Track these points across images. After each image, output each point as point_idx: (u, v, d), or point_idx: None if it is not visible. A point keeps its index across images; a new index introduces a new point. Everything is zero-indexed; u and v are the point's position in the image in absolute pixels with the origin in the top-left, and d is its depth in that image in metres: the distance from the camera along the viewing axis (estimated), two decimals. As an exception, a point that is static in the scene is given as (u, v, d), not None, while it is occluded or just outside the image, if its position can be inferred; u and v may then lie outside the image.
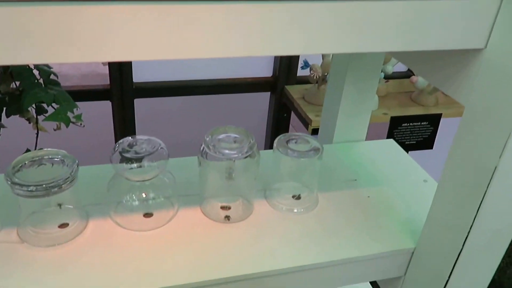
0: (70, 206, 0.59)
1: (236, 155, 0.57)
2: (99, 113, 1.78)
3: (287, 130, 1.89)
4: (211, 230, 0.59)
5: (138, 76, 1.75)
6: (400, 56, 0.59)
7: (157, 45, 0.36)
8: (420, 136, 1.60)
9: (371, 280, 0.64)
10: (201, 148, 0.59)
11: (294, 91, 1.73)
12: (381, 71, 1.53)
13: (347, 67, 0.72)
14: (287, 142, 0.62)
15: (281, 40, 0.38)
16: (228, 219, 0.61)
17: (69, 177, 0.53)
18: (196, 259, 0.54)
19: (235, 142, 0.59)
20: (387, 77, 1.69)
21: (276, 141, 0.62)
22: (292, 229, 0.60)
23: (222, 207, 0.62)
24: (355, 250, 0.58)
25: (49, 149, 0.56)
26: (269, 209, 0.63)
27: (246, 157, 0.58)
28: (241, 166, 0.59)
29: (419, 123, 1.58)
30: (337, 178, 0.71)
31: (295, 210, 0.63)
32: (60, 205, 0.56)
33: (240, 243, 0.57)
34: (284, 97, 1.80)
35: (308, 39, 0.39)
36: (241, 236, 0.58)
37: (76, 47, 0.34)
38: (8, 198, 0.54)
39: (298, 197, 0.65)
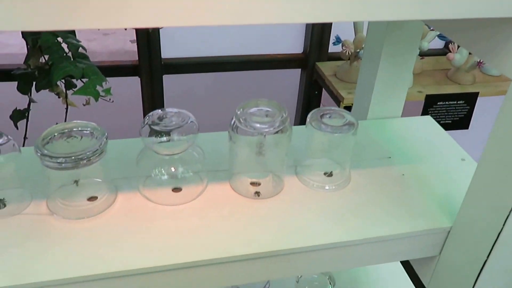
0: (99, 180, 0.59)
1: (268, 129, 0.55)
2: (128, 89, 1.79)
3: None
4: (240, 205, 0.58)
5: (167, 52, 1.74)
6: (441, 26, 0.56)
7: (182, 10, 0.35)
8: (456, 116, 1.54)
9: (404, 259, 0.62)
10: (232, 122, 0.57)
11: (326, 68, 1.69)
12: (416, 47, 1.48)
13: (383, 41, 0.69)
14: (321, 116, 0.60)
15: (322, 4, 0.36)
16: (258, 195, 0.59)
17: (98, 149, 0.52)
18: (225, 235, 0.53)
19: (266, 116, 0.57)
20: (422, 54, 1.63)
21: (309, 115, 0.60)
22: (323, 206, 0.58)
23: (252, 183, 0.61)
24: (388, 228, 0.56)
25: (78, 121, 0.56)
26: (300, 186, 0.62)
27: (277, 131, 0.56)
28: (272, 141, 0.57)
29: (455, 102, 1.52)
30: (370, 155, 0.68)
31: (327, 187, 0.61)
32: (76, 181, 0.56)
33: (270, 219, 0.56)
34: (315, 74, 1.76)
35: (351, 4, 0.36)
36: (271, 212, 0.57)
37: (96, 12, 0.33)
38: (38, 171, 0.54)
39: (330, 174, 0.63)
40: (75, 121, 0.54)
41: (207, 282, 0.54)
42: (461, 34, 0.51)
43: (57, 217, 0.54)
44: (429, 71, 1.71)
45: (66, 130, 0.54)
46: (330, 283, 0.79)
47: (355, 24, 1.54)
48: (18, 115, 1.21)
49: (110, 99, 1.22)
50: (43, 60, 1.06)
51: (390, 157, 0.68)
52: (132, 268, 0.49)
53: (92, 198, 0.57)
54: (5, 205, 0.55)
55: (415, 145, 0.71)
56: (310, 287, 0.78)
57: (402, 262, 0.88)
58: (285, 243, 0.53)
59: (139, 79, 1.76)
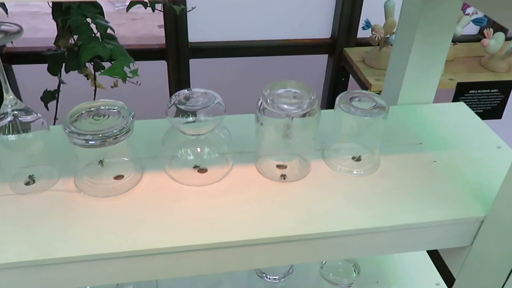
0: (125, 159, 0.59)
1: (296, 111, 0.54)
2: (155, 73, 1.79)
3: None
4: (266, 188, 0.57)
5: (194, 37, 1.73)
6: (479, 3, 0.53)
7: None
8: (489, 105, 1.49)
9: (433, 249, 0.60)
10: (259, 103, 0.56)
11: (354, 53, 1.66)
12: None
13: (417, 22, 0.66)
14: (350, 99, 0.58)
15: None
16: (284, 178, 0.58)
17: (124, 127, 0.52)
18: (250, 217, 0.53)
19: (294, 97, 0.56)
20: (455, 40, 1.58)
21: (338, 98, 0.59)
22: (350, 191, 0.57)
23: (278, 166, 0.60)
24: (417, 216, 0.54)
25: (106, 100, 0.56)
26: (327, 170, 0.60)
27: (305, 114, 0.55)
28: (299, 123, 0.56)
29: (488, 91, 1.47)
30: (400, 140, 0.66)
31: (355, 172, 0.60)
32: (101, 161, 0.56)
33: (296, 203, 0.55)
34: (343, 60, 1.73)
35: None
36: (297, 196, 0.56)
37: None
38: (66, 149, 0.54)
39: (358, 159, 0.62)
40: (102, 99, 0.54)
41: (230, 264, 0.54)
42: (501, 11, 0.48)
43: (84, 194, 0.55)
44: (461, 58, 1.65)
45: (94, 108, 0.54)
46: (354, 271, 0.78)
47: (386, 8, 1.50)
48: (49, 96, 1.23)
49: (137, 82, 1.22)
50: (73, 42, 1.07)
51: (421, 143, 0.66)
52: (156, 247, 0.49)
53: (118, 177, 0.57)
54: (34, 181, 0.55)
55: (448, 132, 0.68)
56: (334, 274, 0.77)
57: (429, 251, 0.86)
58: (310, 228, 0.52)
59: (165, 63, 1.76)
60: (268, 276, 0.77)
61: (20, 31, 0.48)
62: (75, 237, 0.49)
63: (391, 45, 1.52)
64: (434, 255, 0.87)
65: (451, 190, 0.58)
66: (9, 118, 0.51)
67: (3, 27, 0.49)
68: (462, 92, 1.50)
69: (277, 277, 0.77)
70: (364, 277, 0.81)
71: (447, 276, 0.83)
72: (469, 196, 0.57)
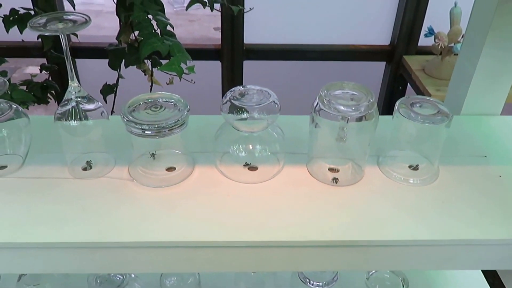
0: (178, 152, 0.59)
1: (353, 113, 0.52)
2: (209, 72, 1.82)
3: None
4: (317, 190, 0.56)
5: (249, 38, 1.74)
6: None
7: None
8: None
9: (492, 269, 0.56)
10: (314, 104, 0.55)
11: (413, 62, 1.60)
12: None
13: (489, 26, 0.62)
14: (411, 105, 0.56)
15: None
16: (336, 182, 0.57)
17: (179, 120, 0.52)
18: (298, 219, 0.52)
19: (352, 99, 0.54)
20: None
21: (398, 102, 0.56)
22: (405, 200, 0.55)
23: (330, 169, 0.58)
24: (478, 231, 0.51)
25: (163, 92, 0.56)
26: (381, 177, 0.58)
27: (362, 117, 0.53)
28: (356, 127, 0.54)
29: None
30: (463, 151, 0.63)
31: (411, 181, 0.57)
32: (153, 154, 0.56)
33: (348, 207, 0.53)
34: (401, 68, 1.67)
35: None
36: (349, 201, 0.54)
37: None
38: (122, 138, 0.55)
39: (416, 168, 0.59)
40: (159, 92, 0.55)
41: (275, 264, 0.53)
42: None
43: (136, 183, 0.55)
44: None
45: (151, 100, 0.55)
46: (403, 285, 0.75)
47: (451, 15, 1.44)
48: (108, 90, 1.27)
49: (192, 80, 1.24)
50: (133, 37, 1.10)
51: (485, 156, 0.62)
52: (202, 240, 0.49)
53: (170, 169, 0.58)
54: (91, 167, 0.57)
55: (515, 146, 0.64)
56: (381, 286, 0.74)
57: (485, 271, 0.81)
58: (361, 234, 0.50)
59: (220, 63, 1.78)
60: (312, 282, 0.76)
61: (87, 21, 0.50)
62: (126, 224, 0.50)
63: (455, 54, 1.45)
64: (490, 276, 0.82)
65: (517, 207, 0.54)
66: (72, 104, 0.53)
67: (72, 17, 0.50)
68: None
69: (320, 283, 0.75)
70: (412, 292, 0.78)
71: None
72: (536, 215, 0.53)
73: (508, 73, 0.67)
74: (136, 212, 0.51)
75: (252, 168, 0.58)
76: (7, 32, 1.15)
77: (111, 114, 1.39)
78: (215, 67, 1.80)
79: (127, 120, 0.51)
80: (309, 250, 0.51)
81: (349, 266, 0.54)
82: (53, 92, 1.39)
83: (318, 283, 0.76)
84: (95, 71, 1.57)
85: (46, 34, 0.47)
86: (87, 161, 0.57)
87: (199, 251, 0.50)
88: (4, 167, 0.57)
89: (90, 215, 0.51)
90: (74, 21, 0.50)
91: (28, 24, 0.47)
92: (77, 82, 0.53)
